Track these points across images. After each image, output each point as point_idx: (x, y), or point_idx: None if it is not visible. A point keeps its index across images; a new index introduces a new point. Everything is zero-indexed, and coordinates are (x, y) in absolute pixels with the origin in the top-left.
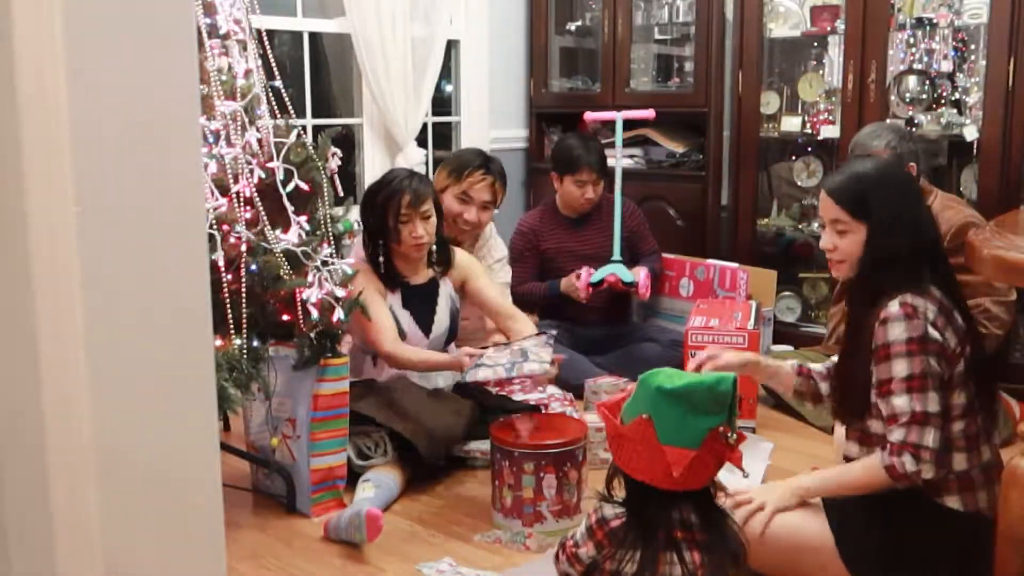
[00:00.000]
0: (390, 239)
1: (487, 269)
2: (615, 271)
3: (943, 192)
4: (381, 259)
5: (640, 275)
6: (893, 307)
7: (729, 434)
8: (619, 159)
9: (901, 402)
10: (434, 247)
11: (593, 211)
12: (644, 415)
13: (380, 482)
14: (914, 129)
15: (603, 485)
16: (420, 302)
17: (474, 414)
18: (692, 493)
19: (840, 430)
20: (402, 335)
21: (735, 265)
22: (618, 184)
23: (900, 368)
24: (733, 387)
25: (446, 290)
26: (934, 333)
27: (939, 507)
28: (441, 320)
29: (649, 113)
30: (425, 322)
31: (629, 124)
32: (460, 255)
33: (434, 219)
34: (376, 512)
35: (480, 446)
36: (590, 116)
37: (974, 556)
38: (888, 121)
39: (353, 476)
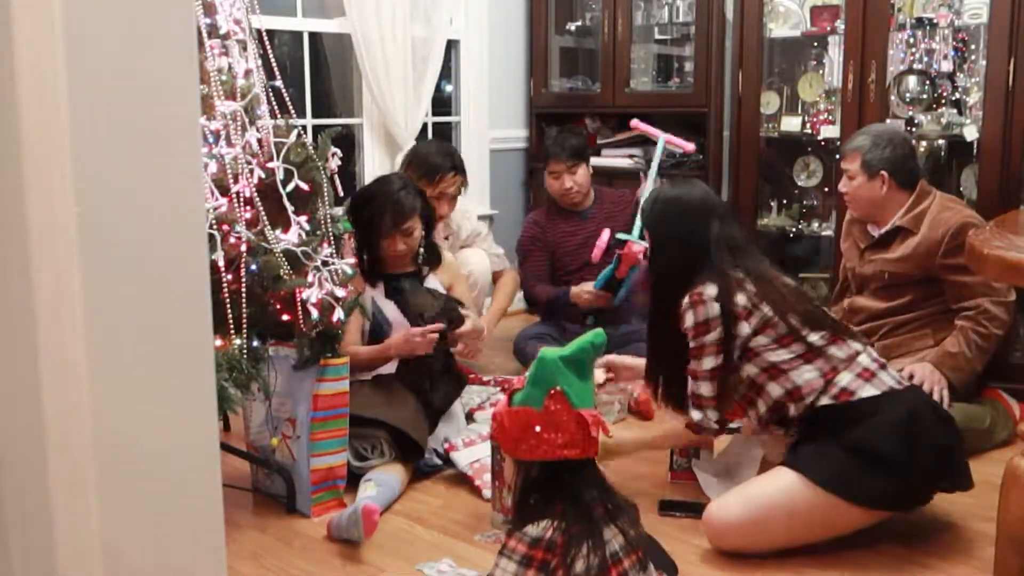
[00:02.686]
0: (375, 247)
1: (477, 238)
2: (630, 238)
3: (942, 193)
4: (366, 256)
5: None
6: (684, 301)
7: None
8: (651, 178)
9: (691, 364)
10: (421, 250)
11: (595, 204)
12: (554, 388)
13: (382, 481)
14: (914, 130)
15: (518, 503)
16: (403, 292)
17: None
18: (594, 462)
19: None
20: (386, 326)
21: None
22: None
23: (692, 344)
24: (603, 340)
25: (434, 283)
26: (713, 309)
27: (862, 401)
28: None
29: (690, 146)
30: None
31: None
32: (448, 257)
33: (418, 232)
34: (372, 507)
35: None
36: (636, 124)
37: (915, 419)
38: (886, 123)
39: (351, 478)
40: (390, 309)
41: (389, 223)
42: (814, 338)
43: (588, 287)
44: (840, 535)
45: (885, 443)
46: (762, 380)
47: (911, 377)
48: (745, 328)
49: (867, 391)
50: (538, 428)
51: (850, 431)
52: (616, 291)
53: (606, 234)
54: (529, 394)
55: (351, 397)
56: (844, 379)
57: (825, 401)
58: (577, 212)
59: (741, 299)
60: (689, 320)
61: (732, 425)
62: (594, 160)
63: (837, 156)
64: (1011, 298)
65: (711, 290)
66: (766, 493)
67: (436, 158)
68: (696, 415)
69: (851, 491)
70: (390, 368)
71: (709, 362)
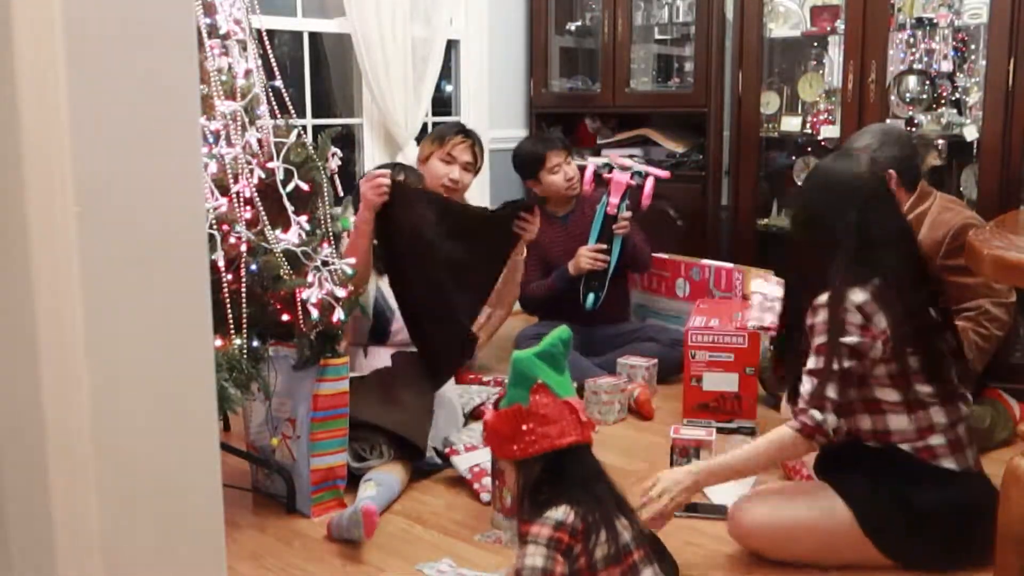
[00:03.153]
0: None
1: None
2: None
3: (942, 194)
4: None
5: (647, 184)
6: (822, 296)
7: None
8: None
9: (811, 361)
10: None
11: (577, 206)
12: (536, 383)
13: (382, 481)
14: (914, 130)
15: (525, 504)
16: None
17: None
18: (588, 448)
19: (785, 408)
20: (390, 314)
21: (730, 265)
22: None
23: (817, 339)
24: (569, 336)
25: None
26: (854, 318)
27: (938, 469)
28: None
29: (664, 174)
30: None
31: (629, 124)
32: None
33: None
34: (372, 508)
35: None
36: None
37: (974, 511)
38: (888, 123)
39: (351, 479)
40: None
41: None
42: (926, 391)
43: (584, 248)
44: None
45: (940, 520)
46: (858, 409)
47: None
48: (878, 349)
49: (948, 463)
50: (531, 424)
51: (912, 488)
52: (611, 238)
53: (590, 168)
54: (513, 394)
55: (365, 387)
56: (934, 440)
57: (905, 447)
58: (559, 217)
59: (881, 321)
60: (821, 316)
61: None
62: (595, 160)
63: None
64: (1011, 299)
65: (859, 296)
66: (801, 508)
67: (447, 125)
68: (817, 416)
69: (887, 544)
70: (385, 360)
71: (836, 363)
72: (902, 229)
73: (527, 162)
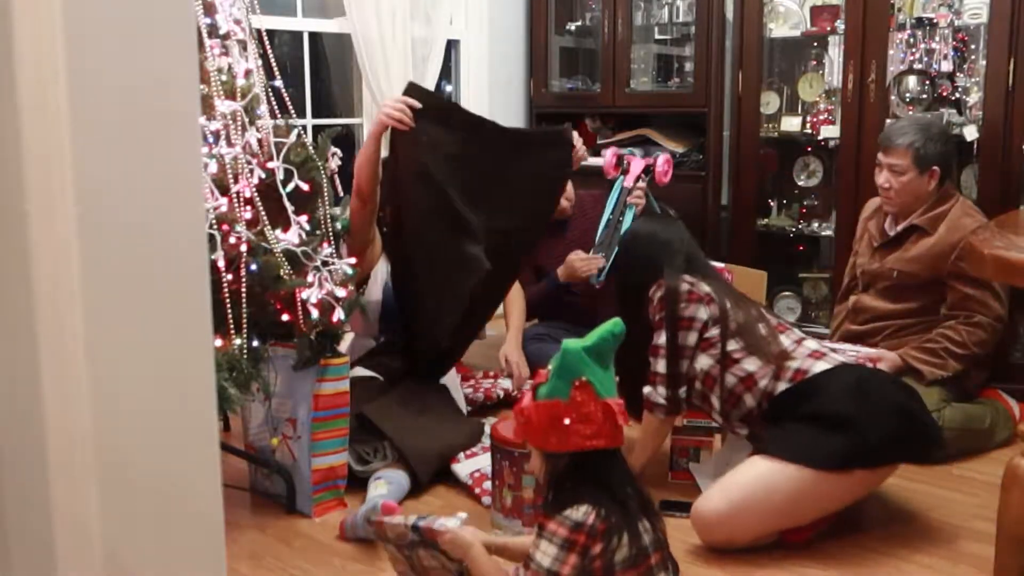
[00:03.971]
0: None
1: None
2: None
3: (964, 198)
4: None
5: (660, 159)
6: (651, 289)
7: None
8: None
9: (653, 343)
10: None
11: (576, 214)
12: (583, 377)
13: (392, 479)
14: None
15: (549, 496)
16: None
17: (475, 433)
18: (619, 452)
19: None
20: None
21: (721, 265)
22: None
23: (656, 318)
24: (623, 331)
25: None
26: (683, 287)
27: (818, 375)
28: None
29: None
30: None
31: (629, 124)
32: None
33: None
34: (392, 504)
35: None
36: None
37: (867, 383)
38: (927, 116)
39: (353, 481)
40: None
41: None
42: (763, 330)
43: (576, 254)
44: (828, 511)
45: (838, 405)
46: (716, 372)
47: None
48: (703, 312)
49: (820, 367)
50: (567, 420)
51: (806, 405)
52: (624, 211)
53: (610, 153)
54: (555, 386)
55: (365, 394)
56: (796, 362)
57: (783, 386)
58: (556, 223)
59: (703, 287)
60: (654, 300)
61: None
62: (594, 160)
63: (835, 154)
64: (999, 324)
65: (673, 279)
66: (742, 481)
67: None
68: (646, 389)
69: (815, 458)
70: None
71: (661, 339)
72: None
73: None
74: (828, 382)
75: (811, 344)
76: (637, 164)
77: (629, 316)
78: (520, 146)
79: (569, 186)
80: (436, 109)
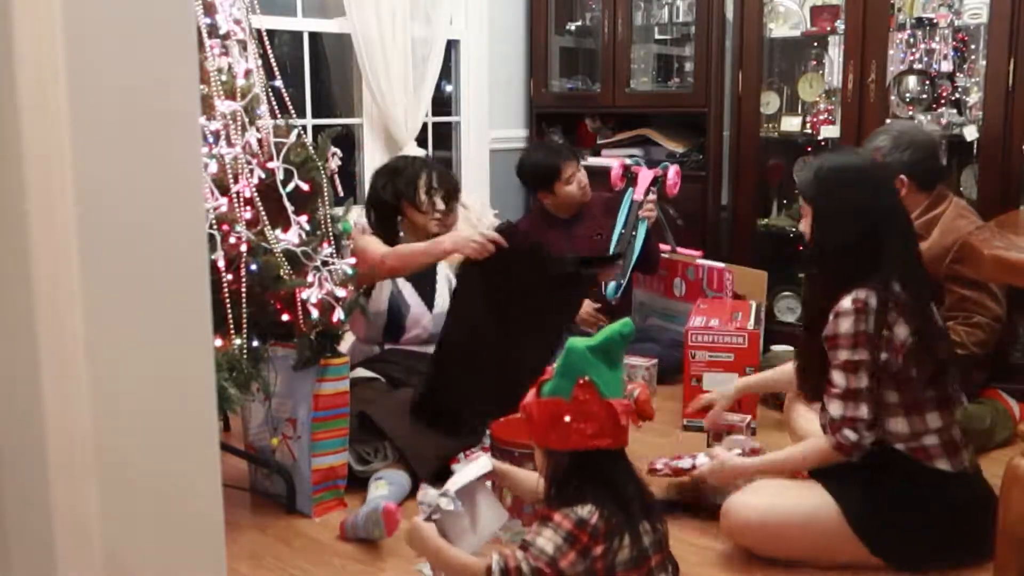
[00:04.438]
0: (408, 212)
1: None
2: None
3: (958, 200)
4: (400, 233)
5: (670, 171)
6: (846, 302)
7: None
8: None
9: (839, 378)
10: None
11: (584, 210)
12: (585, 376)
13: (393, 479)
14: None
15: (551, 493)
16: (420, 277)
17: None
18: (622, 453)
19: (795, 408)
20: (404, 308)
21: (721, 265)
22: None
23: (843, 354)
24: (632, 332)
25: (444, 271)
26: (875, 329)
27: (932, 470)
28: (442, 297)
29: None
30: (427, 297)
31: (629, 124)
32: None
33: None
34: (393, 507)
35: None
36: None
37: (969, 509)
38: (905, 123)
39: (353, 481)
40: (408, 292)
41: (428, 182)
42: (927, 395)
43: (587, 306)
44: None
45: (934, 524)
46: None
47: None
48: (897, 362)
49: (942, 464)
50: (568, 418)
51: (905, 489)
52: (637, 224)
53: (617, 164)
54: (558, 384)
55: (367, 394)
56: (928, 440)
57: (900, 447)
58: (562, 221)
59: (901, 332)
60: (844, 327)
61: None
62: (594, 160)
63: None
64: (996, 324)
65: (875, 301)
66: (790, 506)
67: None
68: (851, 436)
69: (877, 544)
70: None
71: (866, 380)
72: (911, 229)
73: (541, 175)
74: (940, 485)
75: (955, 434)
76: (645, 176)
77: (822, 287)
78: (557, 285)
79: (583, 176)
80: (516, 251)
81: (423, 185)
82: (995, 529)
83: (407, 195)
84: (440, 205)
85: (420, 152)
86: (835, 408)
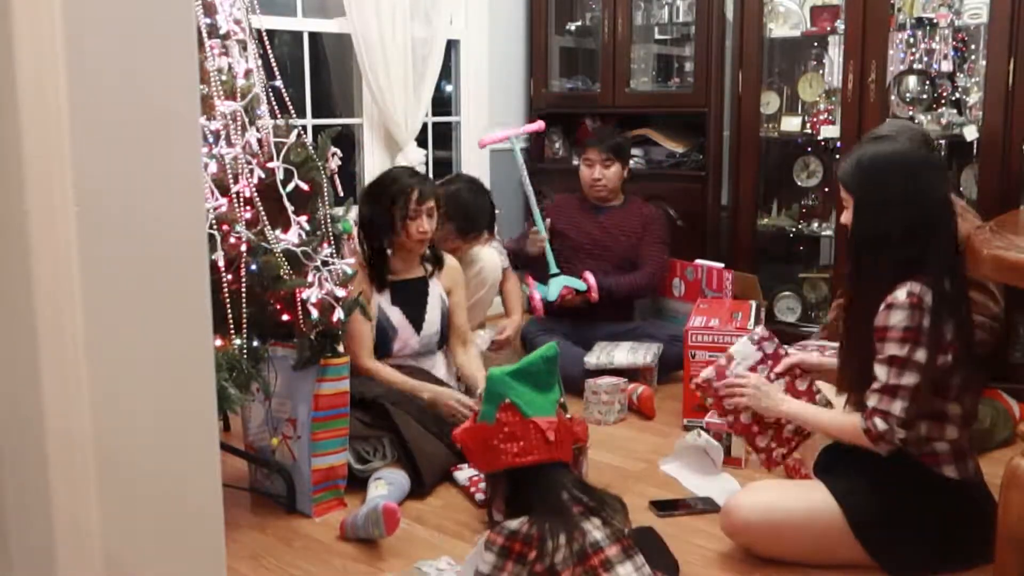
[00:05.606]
0: (393, 233)
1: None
2: (565, 283)
3: (958, 199)
4: (388, 251)
5: (589, 279)
6: (901, 295)
7: (566, 408)
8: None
9: (881, 372)
10: (427, 250)
11: (619, 208)
12: (506, 399)
13: (392, 479)
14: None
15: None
16: (410, 299)
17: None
18: (566, 465)
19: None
20: (392, 332)
21: (720, 265)
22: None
23: (890, 347)
24: (556, 354)
25: (436, 290)
26: (929, 325)
27: (937, 475)
28: (432, 319)
29: (538, 126)
30: (416, 319)
31: (629, 124)
32: (451, 261)
33: (435, 219)
34: (393, 506)
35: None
36: (483, 141)
37: (970, 517)
38: (901, 121)
39: (352, 480)
40: (396, 315)
41: (416, 199)
42: (955, 410)
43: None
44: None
45: (935, 530)
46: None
47: None
48: (947, 362)
49: (949, 471)
50: (495, 441)
51: (908, 494)
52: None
53: (537, 295)
54: (484, 412)
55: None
56: (939, 446)
57: (910, 450)
58: (596, 207)
59: (949, 332)
60: (898, 319)
61: None
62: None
63: (837, 156)
64: (996, 323)
65: (929, 298)
66: (791, 505)
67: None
68: (881, 425)
69: (877, 549)
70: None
71: (911, 379)
72: (956, 223)
73: (580, 144)
74: (943, 490)
75: (964, 441)
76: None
77: (865, 275)
78: None
79: (611, 172)
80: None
81: (411, 203)
82: (994, 535)
83: (398, 202)
84: (424, 225)
85: (420, 152)
86: (872, 399)
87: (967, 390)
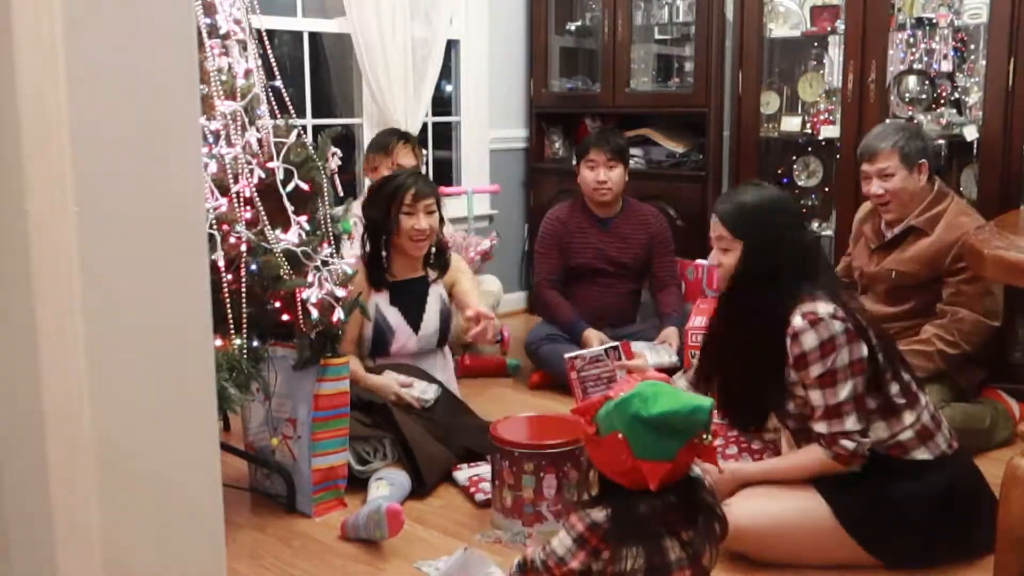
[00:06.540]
0: (392, 233)
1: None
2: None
3: (958, 198)
4: (384, 253)
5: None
6: (797, 321)
7: (704, 437)
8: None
9: (816, 397)
10: (432, 250)
11: (620, 214)
12: (619, 434)
13: (394, 480)
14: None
15: (581, 488)
16: (408, 300)
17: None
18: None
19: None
20: (389, 333)
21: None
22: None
23: (815, 369)
24: (711, 410)
25: (437, 291)
26: (838, 325)
27: (911, 461)
28: (430, 319)
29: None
30: (414, 320)
31: (629, 124)
32: (455, 258)
33: (436, 216)
34: (396, 508)
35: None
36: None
37: (956, 495)
38: (892, 121)
39: (352, 481)
40: (393, 315)
41: (412, 196)
42: (894, 391)
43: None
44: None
45: (921, 513)
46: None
47: None
48: (863, 351)
49: (920, 454)
50: (592, 443)
51: (890, 487)
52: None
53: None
54: (604, 417)
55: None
56: (903, 436)
57: (878, 449)
58: (600, 220)
59: (842, 312)
60: (809, 342)
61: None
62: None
63: (838, 156)
64: (994, 323)
65: (826, 307)
66: (782, 509)
67: (383, 135)
68: (849, 445)
69: (872, 544)
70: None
71: (845, 390)
72: (819, 242)
73: (579, 147)
74: (920, 475)
75: (925, 418)
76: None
77: (756, 328)
78: None
79: (615, 174)
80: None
81: (399, 209)
82: (986, 507)
83: (395, 199)
84: (422, 223)
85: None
86: (821, 427)
87: (898, 361)
